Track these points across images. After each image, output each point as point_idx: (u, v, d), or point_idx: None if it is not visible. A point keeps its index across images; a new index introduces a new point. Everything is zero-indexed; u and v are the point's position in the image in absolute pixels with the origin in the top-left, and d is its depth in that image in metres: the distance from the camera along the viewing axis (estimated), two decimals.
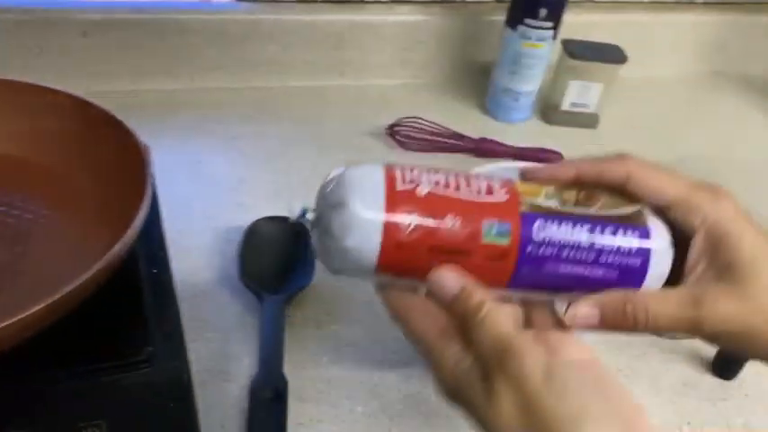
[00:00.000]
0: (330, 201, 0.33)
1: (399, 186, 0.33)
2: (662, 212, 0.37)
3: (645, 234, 0.35)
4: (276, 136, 0.76)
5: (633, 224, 0.35)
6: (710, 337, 0.36)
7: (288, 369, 0.50)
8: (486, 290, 0.33)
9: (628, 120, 0.88)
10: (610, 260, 0.34)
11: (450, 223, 0.32)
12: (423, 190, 0.33)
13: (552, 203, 0.35)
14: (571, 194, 0.37)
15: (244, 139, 0.74)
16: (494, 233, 0.33)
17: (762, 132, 0.93)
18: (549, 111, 0.86)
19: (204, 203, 0.65)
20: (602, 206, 0.37)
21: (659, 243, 0.35)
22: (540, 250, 0.33)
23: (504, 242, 0.33)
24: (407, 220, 0.32)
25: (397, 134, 0.76)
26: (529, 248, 0.33)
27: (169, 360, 0.38)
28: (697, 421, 0.52)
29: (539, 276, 0.34)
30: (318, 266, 0.56)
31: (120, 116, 0.46)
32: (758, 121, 0.95)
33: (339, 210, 0.32)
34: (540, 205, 0.34)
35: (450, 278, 0.33)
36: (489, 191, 0.34)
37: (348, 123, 0.79)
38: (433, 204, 0.32)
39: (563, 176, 0.37)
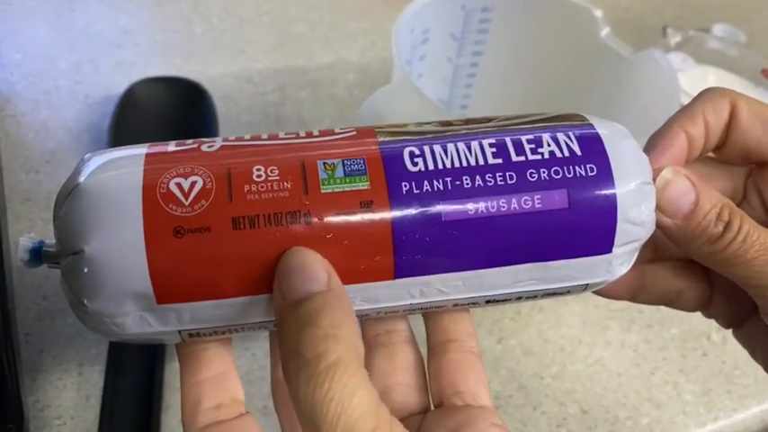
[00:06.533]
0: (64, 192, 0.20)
1: (171, 147, 0.21)
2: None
3: (590, 131, 0.22)
4: None
5: (564, 124, 0.22)
6: None
7: None
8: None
9: None
10: (545, 175, 0.21)
11: (259, 176, 0.20)
12: (211, 145, 0.21)
13: (429, 127, 0.22)
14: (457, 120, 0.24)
15: None
16: (338, 174, 0.20)
17: None
18: None
19: (73, 63, 0.49)
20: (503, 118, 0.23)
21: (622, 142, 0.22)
22: (426, 186, 0.21)
23: (361, 184, 0.20)
24: (186, 184, 0.19)
25: None
26: (406, 186, 0.20)
27: None
28: None
29: (438, 235, 0.20)
30: None
31: None
32: None
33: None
34: (409, 131, 0.22)
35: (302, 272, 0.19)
36: (325, 133, 0.22)
37: None
38: (227, 157, 0.20)
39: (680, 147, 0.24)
